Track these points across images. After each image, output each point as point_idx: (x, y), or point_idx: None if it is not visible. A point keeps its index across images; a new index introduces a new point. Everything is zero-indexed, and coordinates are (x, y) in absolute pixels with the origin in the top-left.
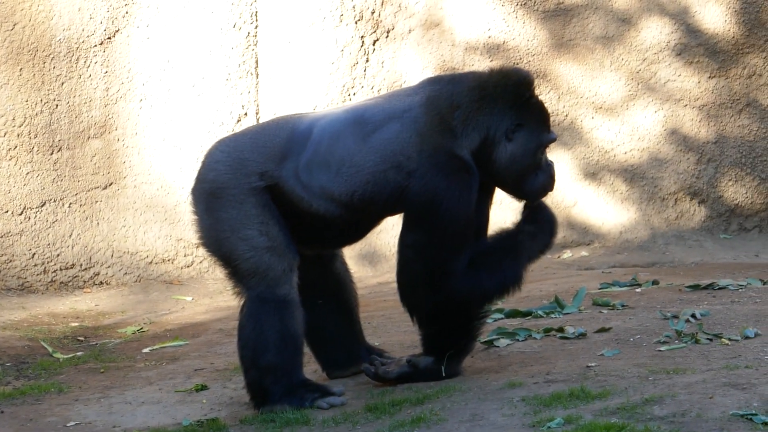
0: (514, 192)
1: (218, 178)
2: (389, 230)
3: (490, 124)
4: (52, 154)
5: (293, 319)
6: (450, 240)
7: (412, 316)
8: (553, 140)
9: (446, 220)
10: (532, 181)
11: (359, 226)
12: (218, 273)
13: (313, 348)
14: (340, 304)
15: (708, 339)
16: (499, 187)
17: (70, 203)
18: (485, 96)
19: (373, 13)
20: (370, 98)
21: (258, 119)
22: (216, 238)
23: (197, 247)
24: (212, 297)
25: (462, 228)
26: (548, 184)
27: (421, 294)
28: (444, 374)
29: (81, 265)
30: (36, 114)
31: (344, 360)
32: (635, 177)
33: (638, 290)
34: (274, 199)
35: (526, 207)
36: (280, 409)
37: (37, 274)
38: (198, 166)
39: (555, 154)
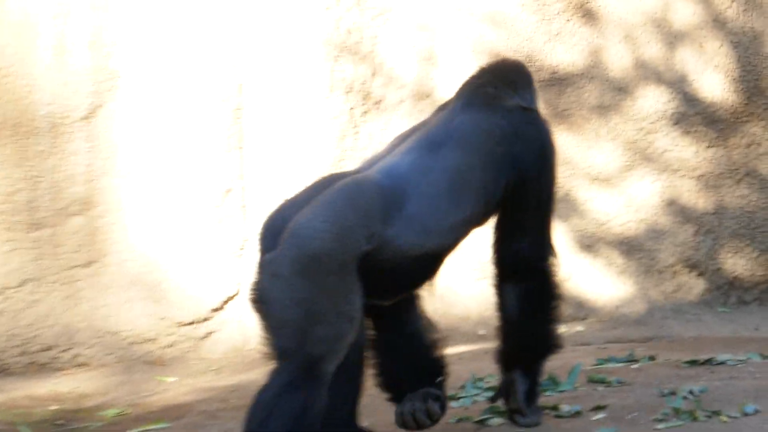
0: None
1: (324, 246)
2: None
3: None
4: (32, 232)
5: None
6: None
7: None
8: None
9: None
10: None
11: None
12: (202, 353)
13: None
14: None
15: (706, 416)
16: None
17: (51, 282)
18: None
19: (363, 83)
20: (413, 128)
21: (244, 193)
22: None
23: (180, 325)
24: (195, 377)
25: None
26: None
27: None
28: None
29: (61, 345)
30: (16, 191)
31: None
32: (632, 249)
33: (635, 366)
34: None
35: None
36: None
37: (16, 356)
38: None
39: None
